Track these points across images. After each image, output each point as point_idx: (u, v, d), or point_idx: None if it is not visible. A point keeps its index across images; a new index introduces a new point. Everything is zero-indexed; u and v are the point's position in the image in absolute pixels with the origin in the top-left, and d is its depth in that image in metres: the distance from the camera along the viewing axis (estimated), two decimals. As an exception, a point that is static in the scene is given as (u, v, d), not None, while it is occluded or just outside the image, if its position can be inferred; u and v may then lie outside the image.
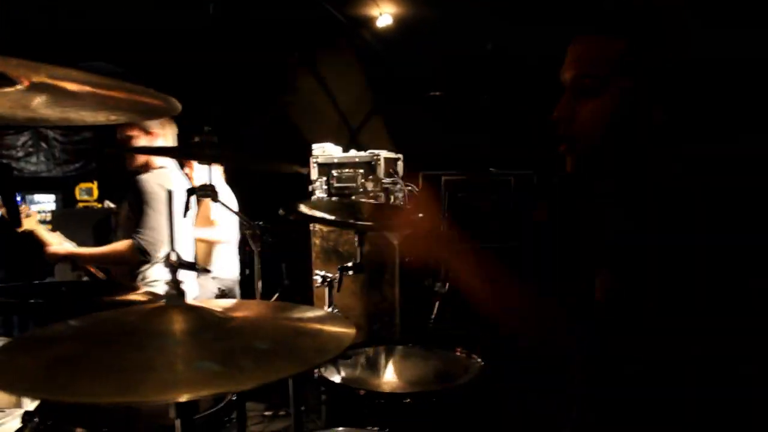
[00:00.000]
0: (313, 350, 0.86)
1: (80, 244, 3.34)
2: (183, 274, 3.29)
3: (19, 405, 5.21)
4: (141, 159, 3.32)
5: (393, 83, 7.87)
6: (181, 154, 3.05)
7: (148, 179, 3.17)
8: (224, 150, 2.16)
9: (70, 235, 3.42)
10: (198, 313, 0.94)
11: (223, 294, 4.47)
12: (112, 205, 7.59)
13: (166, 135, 3.38)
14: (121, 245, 3.14)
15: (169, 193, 2.32)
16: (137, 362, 0.81)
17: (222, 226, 4.47)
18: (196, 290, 3.55)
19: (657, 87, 1.20)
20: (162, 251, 3.12)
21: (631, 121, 1.22)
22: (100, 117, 1.11)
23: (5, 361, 0.86)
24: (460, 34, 7.19)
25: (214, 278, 4.50)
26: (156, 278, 3.21)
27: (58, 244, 3.20)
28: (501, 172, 5.95)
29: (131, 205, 3.20)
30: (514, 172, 5.76)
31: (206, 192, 2.23)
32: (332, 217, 2.45)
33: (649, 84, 1.20)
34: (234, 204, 4.49)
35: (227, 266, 4.62)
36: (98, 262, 3.28)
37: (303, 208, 2.39)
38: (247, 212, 2.99)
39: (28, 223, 3.21)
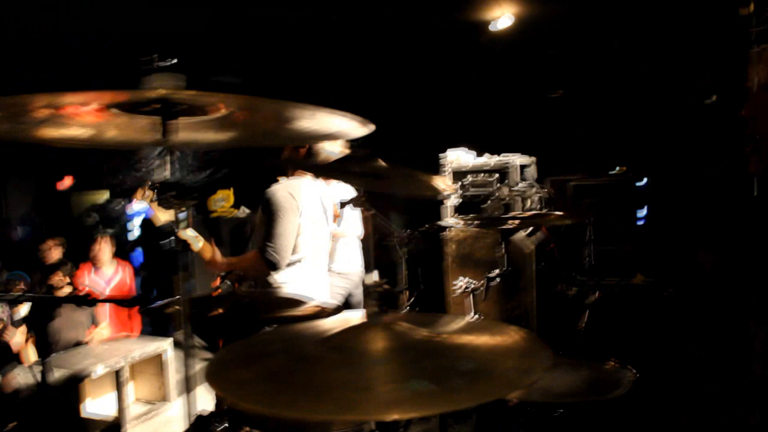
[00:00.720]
0: (517, 371, 0.88)
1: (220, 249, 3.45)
2: (312, 274, 3.39)
3: (167, 399, 5.51)
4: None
5: (515, 85, 7.82)
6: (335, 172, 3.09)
7: (277, 189, 3.22)
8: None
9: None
10: (395, 331, 0.97)
11: (349, 295, 4.43)
12: (247, 211, 7.89)
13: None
14: (250, 256, 3.22)
15: (295, 200, 2.32)
16: (348, 380, 0.85)
17: (345, 220, 4.40)
18: (327, 290, 3.56)
19: None
20: (288, 260, 3.18)
21: None
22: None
23: (226, 372, 0.93)
24: (583, 33, 7.05)
25: (339, 274, 4.51)
26: (284, 281, 3.28)
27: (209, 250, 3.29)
28: (624, 174, 5.82)
29: (261, 216, 3.28)
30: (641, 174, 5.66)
31: (359, 203, 2.28)
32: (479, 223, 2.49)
33: None
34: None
35: (351, 261, 4.57)
36: (235, 268, 3.37)
37: (447, 221, 2.45)
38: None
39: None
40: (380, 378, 0.87)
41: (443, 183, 2.39)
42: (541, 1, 6.44)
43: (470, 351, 0.96)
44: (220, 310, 1.62)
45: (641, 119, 7.03)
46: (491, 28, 6.51)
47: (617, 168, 6.66)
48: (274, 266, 3.15)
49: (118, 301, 3.24)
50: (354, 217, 4.50)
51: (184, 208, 1.15)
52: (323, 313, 1.75)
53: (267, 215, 3.18)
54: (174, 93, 1.03)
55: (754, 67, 1.29)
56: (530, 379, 0.85)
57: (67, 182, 15.18)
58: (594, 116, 7.51)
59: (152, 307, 1.66)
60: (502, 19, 6.35)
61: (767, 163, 1.26)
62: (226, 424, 1.32)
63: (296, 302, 1.89)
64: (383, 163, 2.18)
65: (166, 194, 1.12)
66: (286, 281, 3.28)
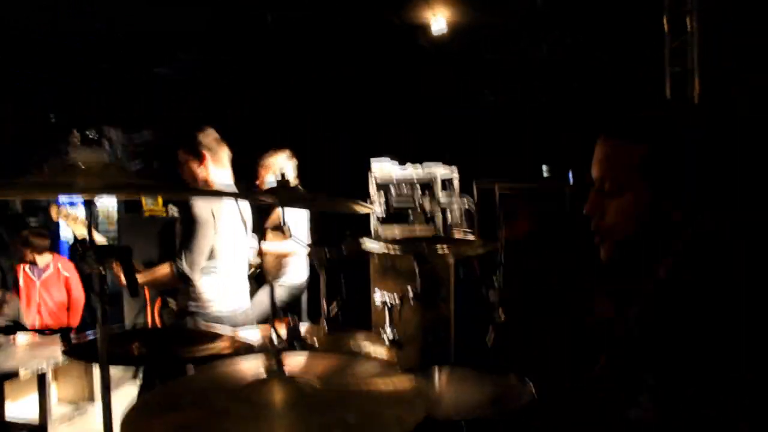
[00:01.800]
0: (394, 420, 1.02)
1: (146, 251, 3.53)
2: (229, 284, 3.51)
3: (92, 399, 5.50)
4: (198, 178, 3.50)
5: (445, 89, 7.99)
6: (256, 196, 3.20)
7: (197, 202, 3.30)
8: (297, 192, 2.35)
9: (135, 242, 3.65)
10: (296, 384, 1.11)
11: (287, 305, 4.62)
12: (175, 211, 7.88)
13: (218, 159, 3.56)
14: (162, 269, 3.29)
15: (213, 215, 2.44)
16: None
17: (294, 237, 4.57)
18: (245, 299, 3.70)
19: (674, 189, 1.35)
20: (198, 273, 3.28)
21: (652, 218, 1.39)
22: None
23: (141, 422, 1.05)
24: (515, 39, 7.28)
25: (281, 285, 4.70)
26: (210, 297, 3.41)
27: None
28: (552, 178, 6.04)
29: (181, 222, 3.38)
30: (570, 184, 5.83)
31: (280, 230, 2.42)
32: (395, 251, 2.63)
33: (666, 186, 1.36)
34: (305, 217, 4.62)
35: (297, 275, 4.79)
36: (149, 285, 3.47)
37: (368, 245, 2.58)
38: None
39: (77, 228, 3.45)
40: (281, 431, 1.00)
41: (363, 207, 2.54)
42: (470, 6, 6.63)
43: (356, 400, 1.11)
44: (138, 345, 1.72)
45: (568, 122, 7.31)
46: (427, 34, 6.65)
47: (545, 168, 6.93)
48: (186, 279, 3.25)
49: (41, 332, 3.26)
50: (302, 234, 4.63)
51: (103, 270, 1.24)
52: (240, 349, 1.87)
53: (184, 227, 3.27)
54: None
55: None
56: (405, 428, 0.99)
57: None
58: (525, 121, 7.76)
59: (74, 342, 1.73)
60: (436, 23, 6.50)
61: (610, 253, 1.49)
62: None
63: (213, 336, 2.00)
64: (303, 190, 2.32)
65: (86, 254, 1.22)
66: (205, 291, 3.40)
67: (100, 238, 3.41)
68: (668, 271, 1.39)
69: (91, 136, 13.55)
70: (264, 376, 1.12)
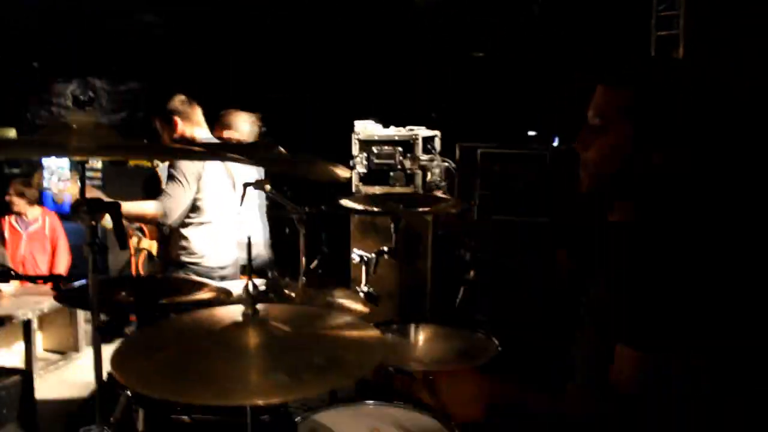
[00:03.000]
0: (356, 364, 1.15)
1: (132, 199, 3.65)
2: (217, 239, 3.63)
3: (76, 349, 5.61)
4: (178, 136, 3.64)
5: (434, 45, 7.99)
6: (241, 155, 3.30)
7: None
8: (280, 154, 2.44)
9: (120, 194, 3.76)
10: (268, 328, 1.22)
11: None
12: (160, 165, 7.92)
13: (189, 120, 3.69)
14: (148, 204, 3.48)
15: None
16: (228, 372, 1.10)
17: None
18: (233, 255, 3.84)
19: (656, 134, 1.49)
20: (173, 221, 3.48)
21: (633, 158, 1.54)
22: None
23: (129, 361, 1.16)
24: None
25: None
26: (203, 254, 3.58)
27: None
28: (538, 145, 6.11)
29: (167, 175, 3.53)
30: (553, 147, 5.94)
31: (261, 186, 2.52)
32: (374, 209, 2.75)
33: (648, 130, 1.50)
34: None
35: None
36: (127, 216, 3.61)
37: (347, 203, 2.69)
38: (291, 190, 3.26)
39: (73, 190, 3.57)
40: (252, 370, 1.12)
41: (342, 170, 2.64)
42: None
43: (325, 346, 1.23)
44: (124, 294, 1.83)
45: (555, 84, 7.34)
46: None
47: (531, 133, 6.99)
48: (164, 220, 3.45)
49: (32, 278, 3.35)
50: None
51: (94, 222, 1.34)
52: (218, 298, 1.99)
53: (169, 176, 3.43)
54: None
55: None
56: (363, 371, 1.11)
57: (-31, 118, 14.59)
58: (508, 81, 7.78)
59: (65, 291, 1.84)
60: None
61: (589, 184, 1.63)
62: (129, 392, 1.54)
63: (195, 286, 2.11)
64: (284, 152, 2.42)
65: (78, 209, 1.31)
66: (195, 245, 3.55)
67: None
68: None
69: (83, 98, 13.47)
70: (236, 321, 1.24)
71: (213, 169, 3.58)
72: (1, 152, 2.04)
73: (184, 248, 3.59)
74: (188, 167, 3.43)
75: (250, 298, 1.21)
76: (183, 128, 3.66)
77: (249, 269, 1.25)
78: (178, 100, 3.69)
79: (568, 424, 1.50)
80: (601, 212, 1.70)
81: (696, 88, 1.55)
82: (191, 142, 3.62)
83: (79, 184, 3.63)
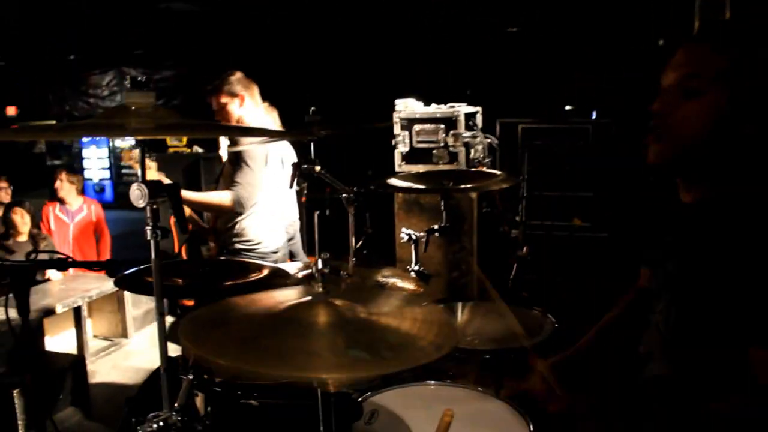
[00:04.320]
0: (431, 345, 1.11)
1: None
2: (269, 222, 3.62)
3: (125, 335, 5.69)
4: (235, 119, 3.59)
5: (469, 21, 7.89)
6: (292, 133, 3.30)
7: (251, 139, 3.44)
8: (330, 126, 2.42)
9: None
10: (335, 309, 1.19)
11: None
12: (200, 150, 7.98)
13: (253, 95, 3.66)
14: (222, 195, 3.46)
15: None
16: (302, 347, 1.07)
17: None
18: (282, 238, 3.83)
19: (751, 102, 1.38)
20: (247, 210, 3.45)
21: (724, 128, 1.41)
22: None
23: (198, 332, 1.14)
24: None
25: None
26: (259, 240, 3.56)
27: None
28: (578, 119, 6.00)
29: (231, 161, 3.50)
30: (593, 121, 5.83)
31: (311, 167, 2.49)
32: (421, 186, 2.71)
33: (744, 98, 1.38)
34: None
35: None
36: (198, 206, 3.62)
37: (393, 182, 2.66)
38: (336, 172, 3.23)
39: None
40: (326, 346, 1.09)
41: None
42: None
43: (395, 328, 1.19)
44: (180, 280, 1.82)
45: (594, 60, 7.20)
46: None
47: (568, 107, 6.88)
48: (240, 209, 3.39)
49: (89, 264, 3.37)
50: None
51: (155, 205, 1.32)
52: (278, 277, 1.97)
53: (239, 163, 3.41)
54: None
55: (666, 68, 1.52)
56: (440, 353, 1.07)
57: (10, 111, 14.87)
58: (543, 56, 7.67)
59: (123, 276, 1.83)
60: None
61: (666, 154, 1.49)
62: (191, 376, 1.52)
63: (255, 267, 2.09)
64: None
65: (139, 191, 1.29)
66: (251, 230, 3.59)
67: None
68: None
69: (140, 79, 13.61)
70: (305, 299, 1.21)
71: (273, 149, 3.56)
72: (63, 135, 2.03)
73: (239, 235, 3.57)
74: (256, 152, 3.40)
75: (320, 277, 1.18)
76: (248, 104, 3.61)
77: (318, 247, 1.22)
78: (240, 76, 3.63)
79: None
80: (672, 190, 1.58)
81: None
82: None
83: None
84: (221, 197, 3.44)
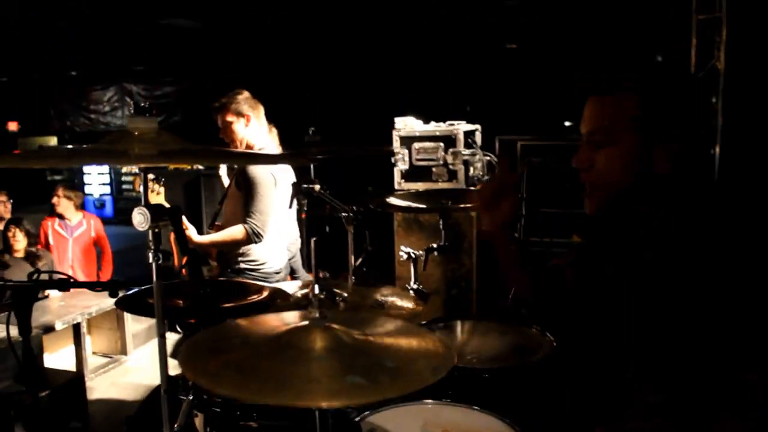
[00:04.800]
0: (428, 370, 1.12)
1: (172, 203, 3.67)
2: (277, 246, 3.64)
3: (124, 352, 5.69)
4: (239, 139, 3.61)
5: (466, 38, 7.94)
6: (290, 156, 3.33)
7: (259, 167, 3.45)
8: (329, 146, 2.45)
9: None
10: (333, 333, 1.20)
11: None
12: (200, 167, 7.99)
13: (259, 116, 3.68)
14: (235, 231, 3.45)
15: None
16: (300, 373, 1.09)
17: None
18: (285, 260, 3.85)
19: (662, 139, 1.42)
20: (266, 236, 3.46)
21: (639, 168, 1.46)
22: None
23: (196, 362, 1.16)
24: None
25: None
26: (264, 260, 3.58)
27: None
28: (577, 135, 6.02)
29: (240, 187, 3.51)
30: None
31: (312, 187, 2.51)
32: (420, 205, 2.73)
33: (654, 137, 1.44)
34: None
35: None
36: (217, 247, 3.64)
37: (392, 201, 2.68)
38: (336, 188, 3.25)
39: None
40: (324, 372, 1.10)
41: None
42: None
43: (392, 351, 1.20)
44: (180, 301, 1.83)
45: (593, 75, 7.23)
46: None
47: (567, 123, 6.91)
48: (258, 239, 3.42)
49: (90, 285, 3.38)
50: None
51: (157, 228, 1.33)
52: (277, 298, 1.98)
53: (249, 190, 3.42)
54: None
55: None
56: (436, 377, 1.08)
57: (12, 127, 14.92)
58: (541, 72, 7.70)
59: (124, 295, 1.84)
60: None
61: (600, 206, 1.56)
62: (191, 397, 1.53)
63: (253, 289, 2.10)
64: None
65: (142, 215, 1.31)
66: (256, 250, 3.62)
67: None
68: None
69: (142, 104, 13.66)
70: (302, 324, 1.22)
71: (280, 170, 3.58)
72: (65, 162, 2.05)
73: (244, 254, 3.58)
74: (264, 176, 3.42)
75: (317, 301, 1.20)
76: (254, 124, 3.63)
77: (315, 272, 1.23)
78: (248, 95, 3.66)
79: None
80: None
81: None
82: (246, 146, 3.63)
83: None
84: (236, 234, 3.44)
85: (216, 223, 3.85)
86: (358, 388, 1.04)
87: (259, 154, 3.43)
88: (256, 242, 3.41)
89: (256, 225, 3.38)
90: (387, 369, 1.10)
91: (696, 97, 1.51)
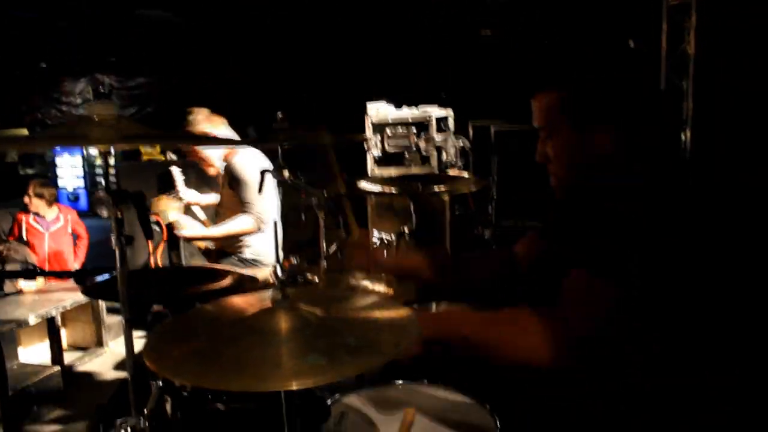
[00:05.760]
0: (390, 344, 1.14)
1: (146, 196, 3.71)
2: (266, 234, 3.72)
3: (101, 344, 5.66)
4: (207, 160, 3.71)
5: (442, 23, 7.93)
6: (260, 141, 3.45)
7: (241, 160, 3.63)
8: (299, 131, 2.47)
9: (134, 187, 3.81)
10: (298, 312, 1.22)
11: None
12: (173, 157, 7.96)
13: (220, 130, 3.75)
14: (242, 221, 3.61)
15: (262, 173, 2.72)
16: (262, 357, 1.09)
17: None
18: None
19: (598, 122, 1.53)
20: (270, 222, 3.61)
21: (582, 154, 1.59)
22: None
23: (161, 351, 1.16)
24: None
25: None
26: (261, 253, 3.72)
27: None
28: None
29: (232, 186, 3.61)
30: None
31: (279, 172, 2.52)
32: (391, 190, 2.73)
33: (585, 125, 1.55)
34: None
35: None
36: (225, 239, 3.77)
37: (364, 185, 2.68)
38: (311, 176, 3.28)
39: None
40: (286, 355, 1.11)
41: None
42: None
43: (356, 327, 1.22)
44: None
45: (565, 59, 7.24)
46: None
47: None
48: (264, 225, 3.62)
49: (58, 274, 3.40)
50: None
51: (120, 213, 1.34)
52: (243, 283, 1.99)
53: (241, 184, 3.55)
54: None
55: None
56: (398, 350, 1.10)
57: (-19, 120, 14.70)
58: (516, 58, 7.72)
59: (92, 284, 1.84)
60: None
61: (561, 194, 1.71)
62: (160, 383, 1.54)
63: (220, 273, 2.11)
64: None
65: (102, 199, 1.31)
66: (253, 240, 3.77)
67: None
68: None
69: (102, 90, 13.50)
70: (266, 307, 1.23)
71: (263, 162, 3.68)
72: (23, 148, 2.04)
73: (246, 244, 3.76)
74: (252, 169, 3.54)
75: (280, 283, 1.20)
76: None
77: (277, 255, 1.24)
78: (206, 113, 3.80)
79: None
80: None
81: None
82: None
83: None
84: (242, 224, 3.61)
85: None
86: (319, 368, 1.06)
87: (219, 138, 3.52)
88: (262, 229, 3.53)
89: (258, 212, 3.56)
90: (348, 347, 1.11)
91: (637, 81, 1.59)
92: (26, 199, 5.77)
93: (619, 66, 1.63)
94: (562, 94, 1.58)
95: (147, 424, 1.42)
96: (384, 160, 4.62)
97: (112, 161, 7.11)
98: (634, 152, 1.52)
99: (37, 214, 5.77)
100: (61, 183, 14.34)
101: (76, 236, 6.02)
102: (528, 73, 7.49)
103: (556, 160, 1.62)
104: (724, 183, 1.66)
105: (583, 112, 1.55)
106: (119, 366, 5.27)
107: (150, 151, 8.77)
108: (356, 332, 1.18)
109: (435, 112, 4.59)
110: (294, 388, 1.02)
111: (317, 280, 2.43)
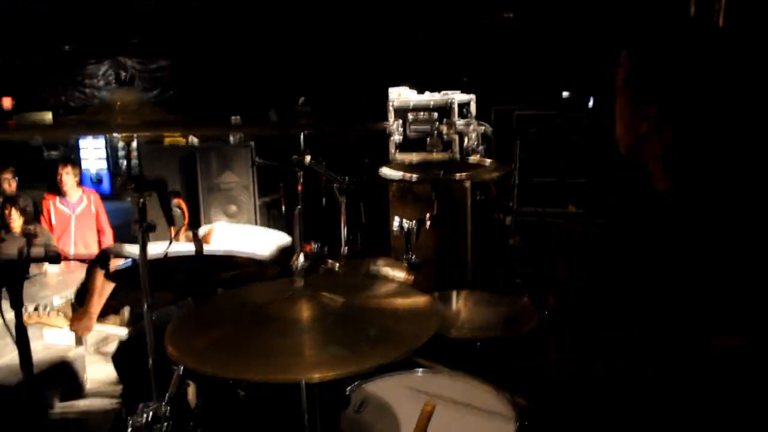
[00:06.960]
0: (412, 335, 1.13)
1: (169, 180, 3.67)
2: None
3: (124, 324, 5.70)
4: None
5: (463, 6, 7.86)
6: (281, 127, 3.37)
7: None
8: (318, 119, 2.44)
9: (157, 171, 3.80)
10: (318, 301, 1.21)
11: None
12: (195, 141, 7.95)
13: None
14: None
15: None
16: (284, 347, 1.09)
17: None
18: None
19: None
20: None
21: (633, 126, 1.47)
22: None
23: (183, 341, 1.16)
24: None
25: None
26: None
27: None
28: (574, 106, 5.99)
29: None
30: (587, 108, 5.81)
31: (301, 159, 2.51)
32: (413, 176, 2.73)
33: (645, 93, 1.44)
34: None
35: None
36: None
37: (385, 171, 2.67)
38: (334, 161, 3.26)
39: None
40: (307, 344, 1.11)
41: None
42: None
43: (377, 317, 1.21)
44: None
45: (588, 42, 7.16)
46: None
47: (565, 94, 6.85)
48: None
49: (82, 260, 3.42)
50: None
51: (142, 199, 1.34)
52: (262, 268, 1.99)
53: None
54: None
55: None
56: (419, 342, 1.09)
57: (6, 103, 14.82)
58: (542, 42, 7.63)
59: (117, 269, 1.85)
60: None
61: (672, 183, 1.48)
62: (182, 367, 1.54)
63: (240, 261, 2.11)
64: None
65: (125, 186, 1.31)
66: None
67: None
68: None
69: (124, 75, 13.56)
70: (291, 296, 1.22)
71: None
72: (47, 134, 2.05)
73: None
74: None
75: (302, 272, 1.20)
76: None
77: (300, 243, 1.23)
78: None
79: None
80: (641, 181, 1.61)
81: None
82: None
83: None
84: None
85: None
86: (340, 359, 1.05)
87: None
88: None
89: None
90: (370, 338, 1.11)
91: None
92: (63, 177, 5.82)
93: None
94: (626, 64, 1.47)
95: (168, 408, 1.43)
96: (405, 145, 4.58)
97: (134, 144, 7.11)
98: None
99: (62, 195, 5.82)
100: (84, 165, 14.44)
101: (99, 224, 6.08)
102: (551, 58, 7.41)
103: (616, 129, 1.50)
104: (705, 173, 1.59)
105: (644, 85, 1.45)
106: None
107: (173, 136, 8.77)
108: (377, 322, 1.17)
109: (457, 97, 4.55)
110: (316, 379, 1.02)
111: (337, 268, 2.43)
